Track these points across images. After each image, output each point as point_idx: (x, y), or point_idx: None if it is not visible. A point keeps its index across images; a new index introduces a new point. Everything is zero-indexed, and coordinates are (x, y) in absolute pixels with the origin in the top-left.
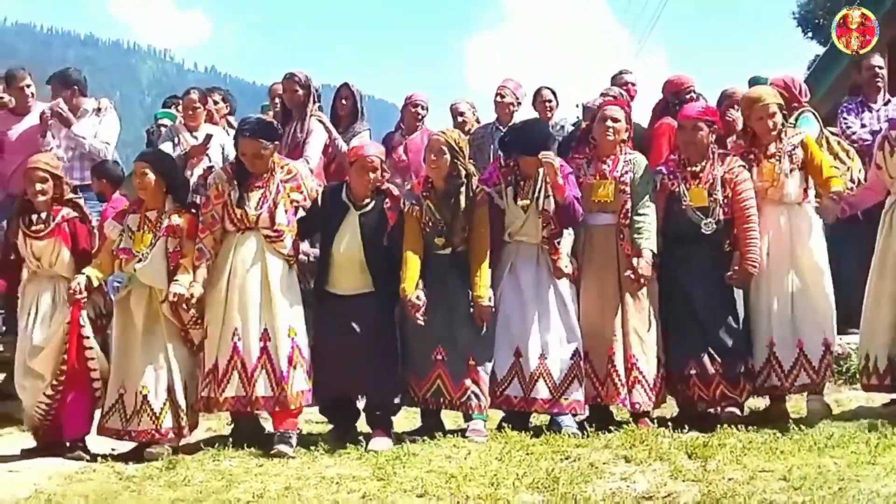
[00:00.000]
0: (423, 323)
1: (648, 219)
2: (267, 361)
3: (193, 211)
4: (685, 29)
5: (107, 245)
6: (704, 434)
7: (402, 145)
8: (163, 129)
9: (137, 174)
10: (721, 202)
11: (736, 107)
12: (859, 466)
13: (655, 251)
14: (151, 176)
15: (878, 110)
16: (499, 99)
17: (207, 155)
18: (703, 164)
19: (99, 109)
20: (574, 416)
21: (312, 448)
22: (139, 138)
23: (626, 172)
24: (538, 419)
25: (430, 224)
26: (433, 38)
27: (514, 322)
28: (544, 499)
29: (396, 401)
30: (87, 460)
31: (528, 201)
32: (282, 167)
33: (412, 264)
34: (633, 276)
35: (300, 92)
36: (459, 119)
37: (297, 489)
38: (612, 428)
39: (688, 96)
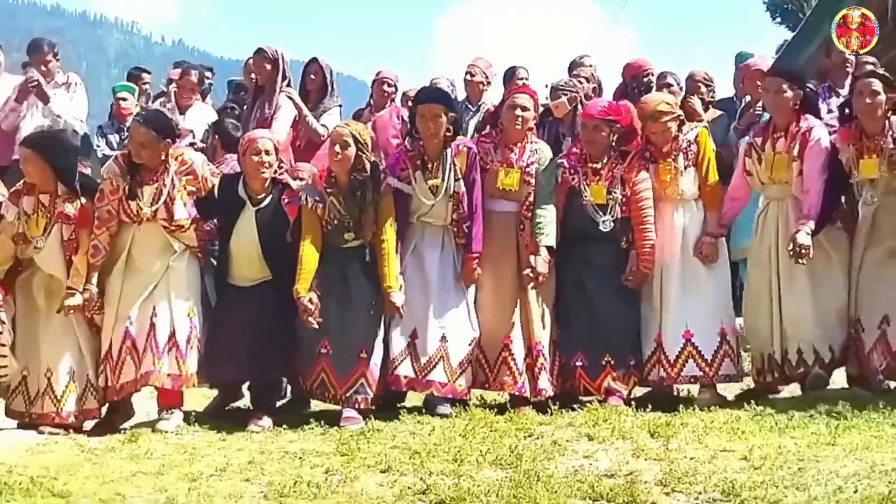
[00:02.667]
0: (316, 326)
1: (549, 214)
2: (153, 340)
3: (83, 200)
4: (656, 10)
5: (6, 228)
6: (667, 413)
7: (369, 122)
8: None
9: (23, 159)
10: (619, 200)
11: (700, 87)
12: (819, 447)
13: (553, 247)
14: (37, 161)
15: (845, 96)
16: (468, 77)
17: (192, 132)
18: (604, 161)
19: (69, 84)
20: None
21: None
22: (105, 110)
23: (532, 163)
24: (501, 397)
25: (336, 220)
26: (405, 14)
27: (415, 303)
28: (507, 475)
29: (282, 386)
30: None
31: (438, 181)
32: (176, 158)
33: (308, 264)
34: (531, 275)
35: (269, 67)
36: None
37: (260, 463)
38: (575, 406)
39: (645, 79)
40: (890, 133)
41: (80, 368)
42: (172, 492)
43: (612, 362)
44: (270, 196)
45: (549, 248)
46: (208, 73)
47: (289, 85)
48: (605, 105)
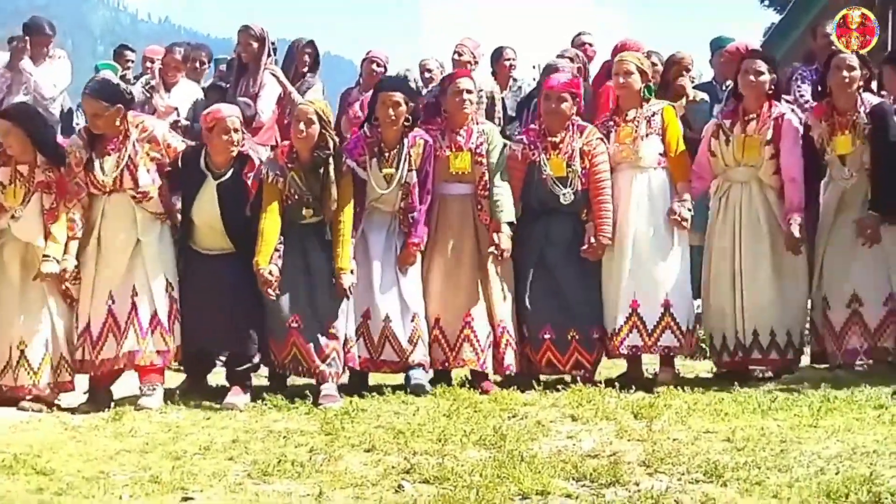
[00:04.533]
0: (274, 297)
1: (505, 192)
2: (135, 317)
3: (63, 170)
4: None
5: None
6: (650, 395)
7: (358, 101)
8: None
9: (2, 132)
10: (579, 173)
11: (685, 72)
12: (801, 429)
13: (514, 222)
14: (16, 132)
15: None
16: (457, 57)
17: (177, 109)
18: (563, 135)
19: (52, 57)
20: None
21: (260, 402)
22: None
23: (481, 143)
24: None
25: (296, 196)
26: None
27: (363, 285)
28: (491, 455)
29: (256, 360)
30: None
31: (392, 170)
32: (136, 126)
33: (269, 236)
34: (495, 252)
35: (255, 45)
36: (427, 76)
37: (245, 442)
38: (559, 387)
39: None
40: (862, 108)
41: (54, 340)
42: (156, 470)
43: (578, 337)
44: (232, 169)
45: (509, 224)
46: (203, 56)
47: (275, 63)
48: (568, 77)
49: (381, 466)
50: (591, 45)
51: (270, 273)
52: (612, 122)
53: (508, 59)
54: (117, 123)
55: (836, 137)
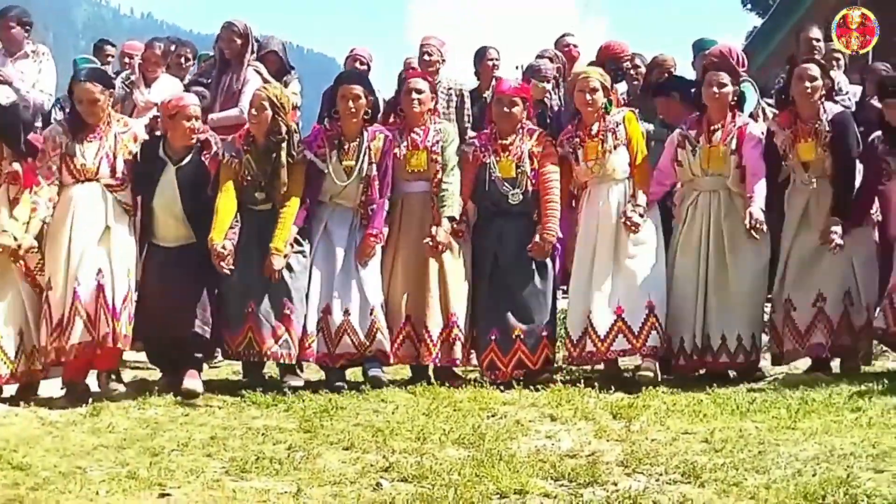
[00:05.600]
0: (228, 272)
1: (452, 186)
2: (103, 302)
3: (30, 160)
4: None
5: None
6: (629, 395)
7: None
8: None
9: None
10: (528, 174)
11: (668, 75)
12: (779, 431)
13: (457, 217)
14: None
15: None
16: (427, 58)
17: (157, 105)
18: (513, 137)
19: (36, 53)
20: (382, 366)
21: (239, 398)
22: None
23: (437, 142)
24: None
25: (250, 178)
26: None
27: (325, 280)
28: (470, 454)
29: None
30: None
31: (352, 162)
32: (118, 120)
33: (224, 214)
34: (430, 244)
35: (238, 42)
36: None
37: (223, 439)
38: (538, 387)
39: (625, 64)
40: (825, 117)
41: (27, 329)
42: (133, 466)
43: (522, 336)
44: (191, 156)
45: (452, 219)
46: (188, 52)
47: (258, 59)
48: (518, 82)
49: (359, 464)
50: (575, 45)
51: (224, 248)
52: (577, 139)
53: (492, 59)
54: (107, 111)
55: (799, 144)
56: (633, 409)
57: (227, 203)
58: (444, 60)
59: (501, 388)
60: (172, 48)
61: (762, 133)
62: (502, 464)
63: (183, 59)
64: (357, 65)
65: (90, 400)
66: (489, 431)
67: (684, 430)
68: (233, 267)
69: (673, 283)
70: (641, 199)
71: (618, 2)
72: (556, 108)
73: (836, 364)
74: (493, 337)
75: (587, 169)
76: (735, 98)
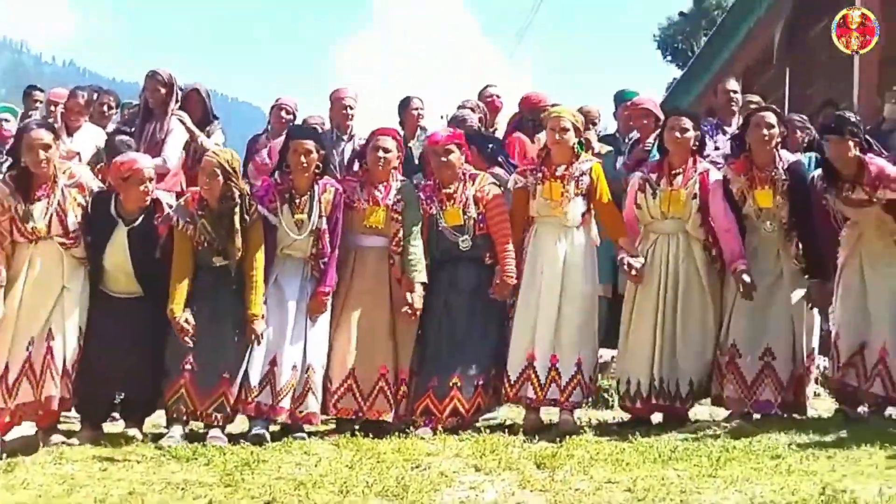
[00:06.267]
0: (191, 344)
1: (419, 251)
2: (52, 364)
3: None
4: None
5: None
6: (553, 444)
7: (266, 148)
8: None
9: None
10: (476, 218)
11: (591, 126)
12: (701, 479)
13: (426, 282)
14: None
15: (731, 133)
16: (349, 111)
17: (79, 154)
18: (456, 185)
19: None
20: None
21: (159, 452)
22: None
23: (399, 200)
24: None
25: (206, 242)
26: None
27: (274, 332)
28: None
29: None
30: None
31: (304, 216)
32: (64, 172)
33: (181, 283)
34: (409, 311)
35: (162, 91)
36: (348, 111)
37: (142, 494)
38: (462, 437)
39: (542, 114)
40: (781, 164)
41: None
42: None
43: (459, 384)
44: (143, 215)
45: (423, 284)
46: (111, 100)
47: (182, 109)
48: (450, 130)
49: None
50: (498, 96)
51: (186, 321)
52: (539, 174)
53: (416, 109)
54: (52, 168)
55: (756, 191)
56: (557, 459)
57: (183, 271)
58: (354, 112)
59: (433, 434)
60: (95, 97)
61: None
62: None
63: (106, 108)
64: (283, 114)
65: (4, 455)
66: (413, 483)
67: (608, 479)
68: (195, 339)
69: (631, 325)
70: (631, 246)
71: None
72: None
73: None
74: (431, 384)
75: (542, 206)
76: (696, 143)
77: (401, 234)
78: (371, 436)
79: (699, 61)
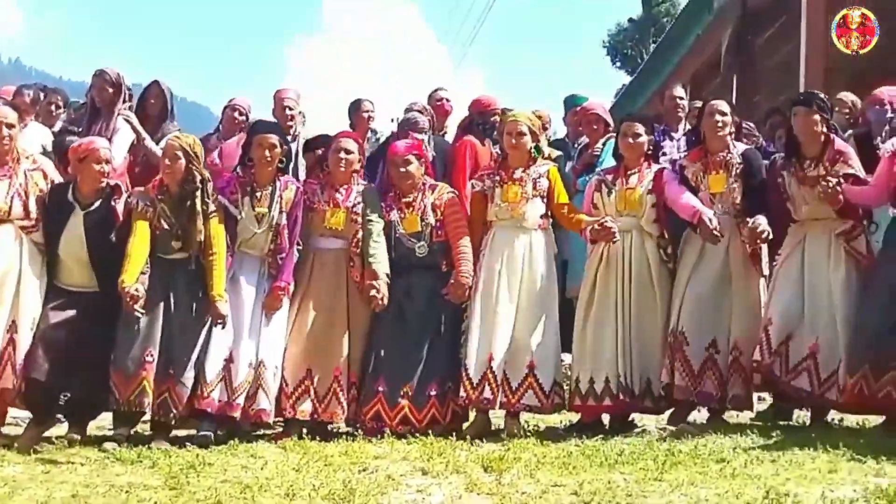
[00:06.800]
0: (140, 315)
1: (381, 247)
2: (12, 354)
3: None
4: (502, 51)
5: None
6: (500, 447)
7: (217, 149)
8: None
9: None
10: (434, 226)
11: (542, 131)
12: (647, 482)
13: (388, 273)
14: None
15: (678, 139)
16: (289, 112)
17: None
18: (415, 194)
19: None
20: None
21: (103, 454)
22: None
23: (358, 202)
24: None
25: (165, 227)
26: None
27: (229, 329)
28: None
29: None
30: None
31: (264, 209)
32: (27, 157)
33: (136, 259)
34: (376, 295)
35: (110, 90)
36: (289, 112)
37: (84, 497)
38: (410, 440)
39: (492, 118)
40: (735, 150)
41: None
42: None
43: (410, 393)
44: (100, 201)
45: (386, 275)
46: (59, 100)
47: (130, 108)
48: (408, 142)
49: None
50: (447, 100)
51: (136, 290)
52: (497, 177)
53: (367, 112)
54: (15, 152)
55: (710, 176)
56: (504, 462)
57: (140, 247)
58: (301, 113)
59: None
60: (42, 96)
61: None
62: None
63: (53, 107)
64: (236, 115)
65: None
66: (360, 486)
67: (554, 482)
68: (143, 311)
69: (590, 323)
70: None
71: (492, 57)
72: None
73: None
74: (381, 390)
75: (500, 210)
76: (650, 147)
77: (360, 236)
78: (318, 439)
79: (648, 67)
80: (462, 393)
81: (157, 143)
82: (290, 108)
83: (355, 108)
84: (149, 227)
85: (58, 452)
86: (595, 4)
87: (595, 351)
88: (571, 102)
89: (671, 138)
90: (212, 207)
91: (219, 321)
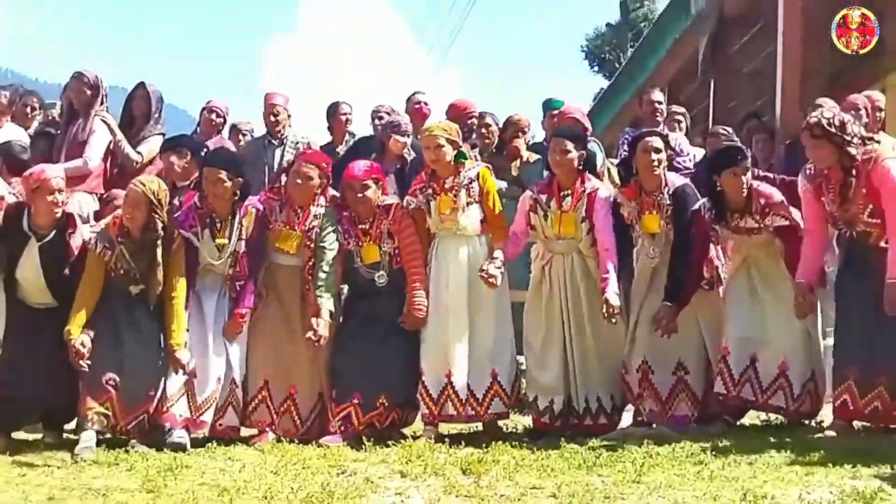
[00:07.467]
0: (86, 369)
1: (331, 278)
2: None
3: None
4: (481, 54)
5: None
6: (479, 450)
7: None
8: None
9: None
10: (392, 253)
11: (521, 134)
12: (625, 485)
13: (333, 311)
14: None
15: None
16: (273, 118)
17: None
18: (372, 219)
19: None
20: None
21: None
22: None
23: (313, 228)
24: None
25: (122, 271)
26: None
27: (193, 345)
28: None
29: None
30: None
31: (225, 240)
32: None
33: (84, 306)
34: (313, 338)
35: (88, 92)
36: (274, 118)
37: (61, 500)
38: (389, 443)
39: (469, 121)
40: (666, 189)
41: None
42: None
43: (386, 403)
44: (55, 230)
45: (329, 313)
46: (35, 101)
47: (107, 110)
48: (367, 165)
49: None
50: (426, 103)
51: (83, 344)
52: (430, 190)
53: (344, 114)
54: None
55: (644, 216)
56: (483, 465)
57: (89, 295)
58: (289, 115)
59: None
60: (18, 97)
61: (611, 198)
62: None
63: (29, 109)
64: (214, 117)
65: None
66: (338, 489)
67: (533, 484)
68: (90, 363)
69: (531, 341)
70: (499, 253)
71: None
72: (409, 161)
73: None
74: (355, 401)
75: (438, 222)
76: (581, 163)
77: (314, 259)
78: (296, 442)
79: (625, 72)
80: (423, 409)
81: (139, 144)
82: (276, 115)
83: (333, 111)
84: (105, 268)
85: (34, 455)
86: (573, 9)
87: (543, 374)
88: (548, 106)
89: None
90: (174, 248)
91: (178, 369)
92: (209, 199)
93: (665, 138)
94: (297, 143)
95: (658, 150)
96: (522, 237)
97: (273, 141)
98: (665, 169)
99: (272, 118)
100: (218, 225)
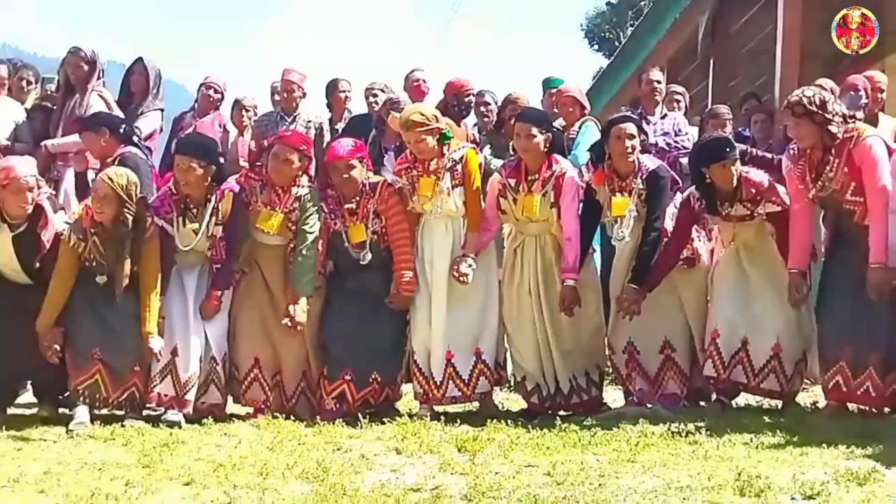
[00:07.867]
0: (57, 362)
1: (309, 262)
2: None
3: None
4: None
5: None
6: (474, 428)
7: (192, 127)
8: None
9: None
10: (379, 232)
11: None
12: (620, 463)
13: (311, 294)
14: None
15: (654, 123)
16: (286, 95)
17: None
18: (358, 199)
19: None
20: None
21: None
22: None
23: (295, 209)
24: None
25: (94, 261)
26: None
27: (175, 322)
28: (313, 489)
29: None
30: None
31: (197, 225)
32: None
33: (56, 299)
34: (289, 324)
35: (85, 67)
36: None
37: (57, 474)
38: (384, 420)
39: (466, 99)
40: (640, 174)
41: None
42: None
43: (379, 379)
44: (27, 224)
45: (306, 300)
46: (31, 75)
47: (104, 85)
48: (352, 144)
49: (199, 500)
50: (424, 80)
51: (53, 338)
52: (414, 171)
53: (343, 91)
54: None
55: (615, 199)
56: (478, 443)
57: (61, 287)
58: (304, 94)
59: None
60: (14, 71)
61: (581, 182)
62: (346, 498)
63: (25, 83)
64: (211, 93)
65: None
66: (333, 465)
67: (527, 462)
68: (61, 356)
69: (511, 325)
70: (471, 247)
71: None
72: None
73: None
74: (347, 377)
75: (421, 202)
76: (547, 146)
77: (295, 241)
78: (292, 418)
79: (625, 51)
80: (418, 388)
81: (137, 120)
82: (290, 92)
83: (332, 88)
84: (77, 258)
85: (30, 430)
86: None
87: (521, 356)
88: (547, 85)
89: (647, 122)
90: (148, 236)
91: (150, 357)
92: (181, 186)
93: (638, 123)
94: (310, 122)
95: (632, 136)
96: (493, 222)
97: (286, 117)
98: (638, 154)
99: (288, 94)
100: (193, 211)
